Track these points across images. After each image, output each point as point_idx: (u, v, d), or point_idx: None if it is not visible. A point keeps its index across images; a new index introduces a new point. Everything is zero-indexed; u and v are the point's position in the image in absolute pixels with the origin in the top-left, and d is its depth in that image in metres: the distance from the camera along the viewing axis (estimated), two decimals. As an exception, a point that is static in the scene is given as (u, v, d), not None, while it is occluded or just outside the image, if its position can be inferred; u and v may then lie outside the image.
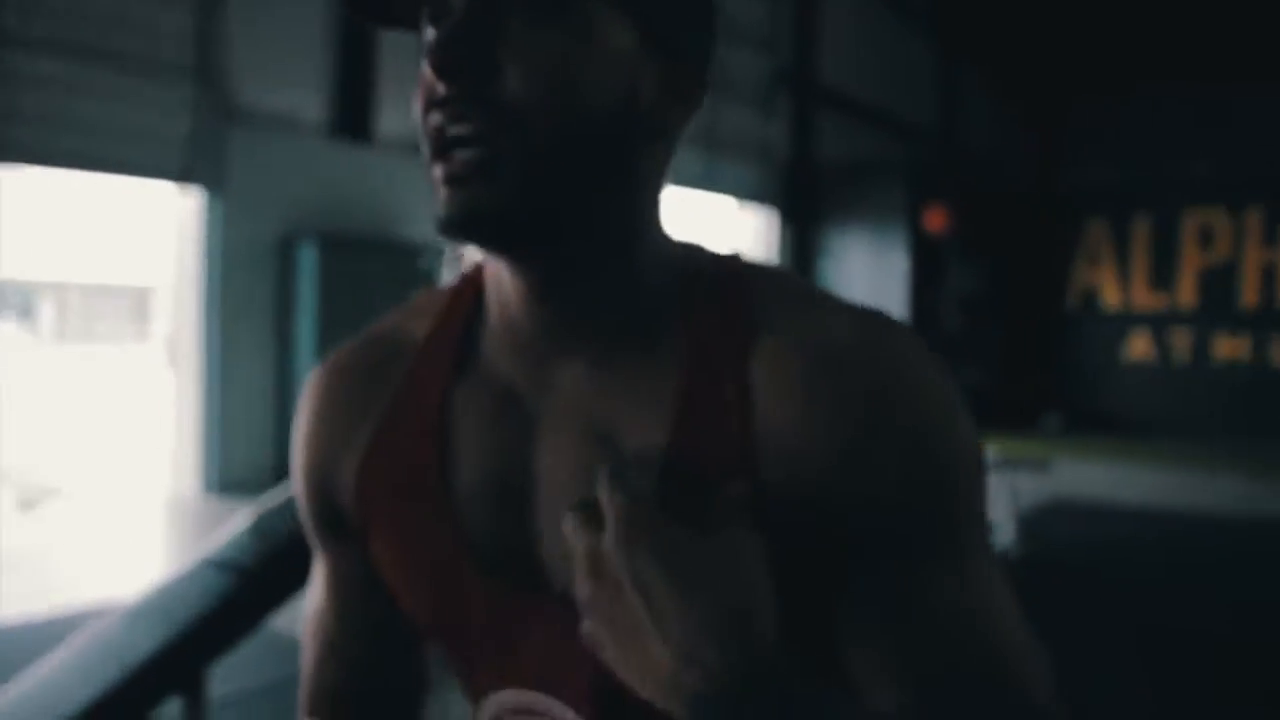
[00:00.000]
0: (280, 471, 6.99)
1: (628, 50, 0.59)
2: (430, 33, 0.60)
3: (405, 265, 7.32)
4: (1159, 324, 12.39)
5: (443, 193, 0.58)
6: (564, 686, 0.65)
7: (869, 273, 10.94)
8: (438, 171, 0.59)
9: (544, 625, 0.65)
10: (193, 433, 6.78)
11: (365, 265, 7.12)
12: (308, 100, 7.11)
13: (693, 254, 0.67)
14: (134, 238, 29.21)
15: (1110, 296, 12.72)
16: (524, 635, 0.66)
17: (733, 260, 0.67)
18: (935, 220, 11.39)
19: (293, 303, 6.95)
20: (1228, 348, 12.02)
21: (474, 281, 0.72)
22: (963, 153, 12.96)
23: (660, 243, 0.66)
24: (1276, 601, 4.89)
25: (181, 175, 6.42)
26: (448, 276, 6.98)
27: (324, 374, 0.75)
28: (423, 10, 0.60)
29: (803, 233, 11.26)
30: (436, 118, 0.58)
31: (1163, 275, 12.37)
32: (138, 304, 33.91)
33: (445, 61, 0.56)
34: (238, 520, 2.59)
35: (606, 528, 0.55)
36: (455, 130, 0.57)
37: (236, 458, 6.77)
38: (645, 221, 0.64)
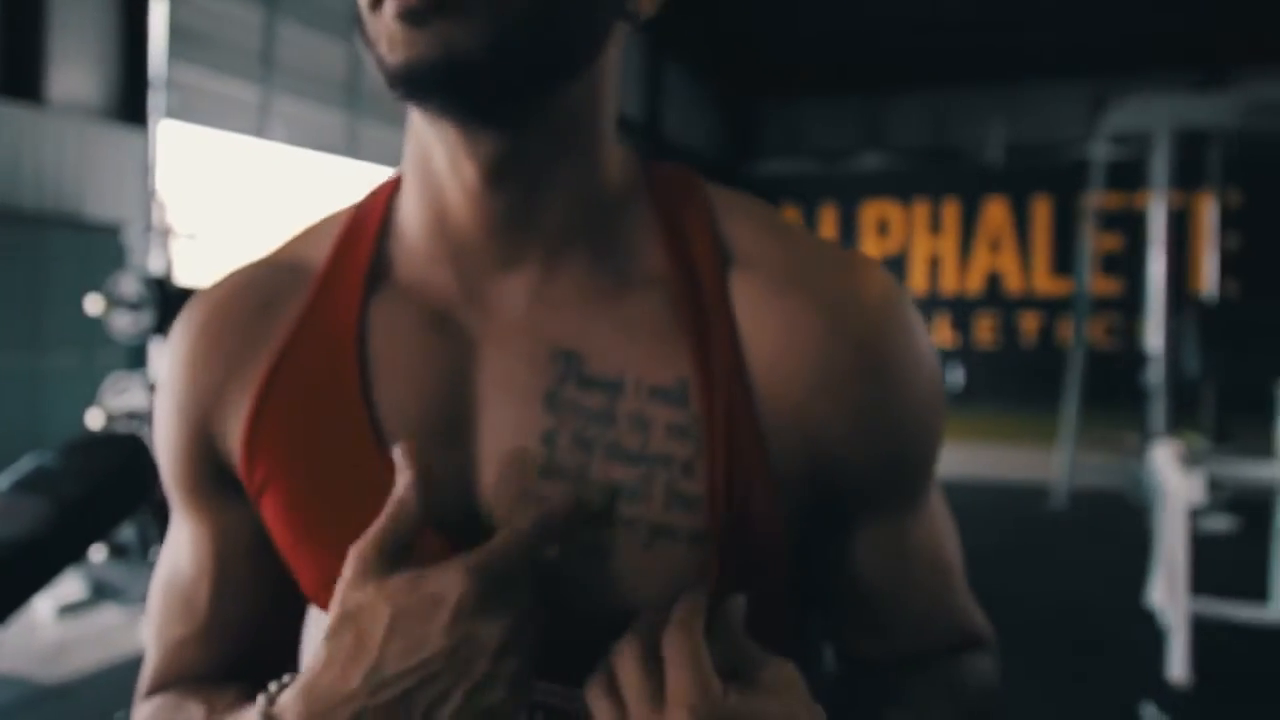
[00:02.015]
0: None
1: None
2: None
3: (93, 246, 6.58)
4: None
5: (396, 33, 0.49)
6: None
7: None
8: (389, 7, 0.49)
9: None
10: None
11: (41, 244, 6.33)
12: (-40, 55, 6.21)
13: (648, 164, 0.64)
14: None
15: (802, 282, 13.74)
16: None
17: (689, 173, 0.64)
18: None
19: (-53, 287, 6.05)
20: (901, 329, 13.36)
21: (380, 197, 0.64)
22: (668, 144, 13.50)
23: (617, 148, 0.62)
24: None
25: None
26: (155, 259, 6.34)
27: (202, 309, 0.64)
28: None
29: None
30: None
31: (847, 262, 13.53)
32: None
33: None
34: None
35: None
36: None
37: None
38: (605, 117, 0.60)
